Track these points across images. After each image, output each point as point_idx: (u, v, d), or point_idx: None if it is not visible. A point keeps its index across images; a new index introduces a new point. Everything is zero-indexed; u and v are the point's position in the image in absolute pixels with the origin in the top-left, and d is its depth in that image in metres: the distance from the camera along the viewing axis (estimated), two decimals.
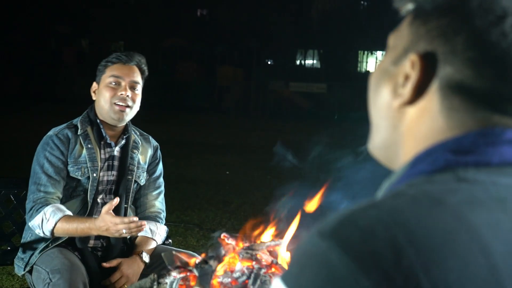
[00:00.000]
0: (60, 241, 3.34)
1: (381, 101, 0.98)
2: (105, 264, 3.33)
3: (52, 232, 3.24)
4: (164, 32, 28.53)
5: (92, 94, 3.48)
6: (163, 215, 3.66)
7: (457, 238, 0.78)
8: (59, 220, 3.22)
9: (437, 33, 0.91)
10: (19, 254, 3.46)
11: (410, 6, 0.97)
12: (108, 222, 3.08)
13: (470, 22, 0.88)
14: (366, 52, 29.81)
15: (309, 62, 31.18)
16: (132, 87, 3.41)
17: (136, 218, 3.10)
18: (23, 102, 22.17)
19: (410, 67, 0.93)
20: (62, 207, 3.29)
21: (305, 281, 0.78)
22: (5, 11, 26.53)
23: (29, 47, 27.70)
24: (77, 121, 3.45)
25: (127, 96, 3.37)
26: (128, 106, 3.39)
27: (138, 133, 3.63)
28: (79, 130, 3.40)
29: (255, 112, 23.77)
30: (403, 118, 0.95)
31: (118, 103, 3.37)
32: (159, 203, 3.66)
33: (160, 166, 3.70)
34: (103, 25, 27.54)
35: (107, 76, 3.40)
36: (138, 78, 3.45)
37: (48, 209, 3.25)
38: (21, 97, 23.40)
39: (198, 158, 12.25)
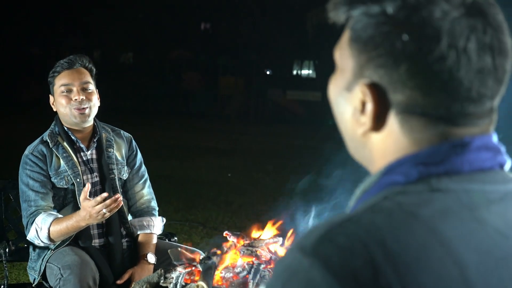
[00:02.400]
0: (65, 244, 3.30)
1: (346, 123, 0.95)
2: (119, 282, 3.31)
3: (49, 238, 3.20)
4: (171, 44, 28.52)
5: (52, 107, 3.41)
6: (154, 202, 3.61)
7: (431, 253, 0.78)
8: (50, 225, 3.18)
9: (380, 63, 0.86)
10: (30, 263, 3.43)
11: (342, 19, 0.93)
12: (87, 208, 3.02)
13: (407, 51, 0.84)
14: None
15: (305, 72, 31.16)
16: (84, 89, 3.33)
17: (105, 194, 3.04)
18: (39, 110, 22.15)
19: (362, 95, 0.89)
20: (52, 211, 3.25)
21: None
22: (24, 25, 26.55)
23: (46, 58, 27.71)
24: (46, 136, 3.38)
25: (82, 99, 3.30)
26: (87, 108, 3.32)
27: (109, 130, 3.55)
28: (50, 144, 3.33)
29: (255, 118, 23.73)
30: (368, 141, 0.93)
31: (75, 107, 3.30)
32: (147, 191, 3.60)
33: (139, 156, 3.61)
34: (114, 38, 27.52)
35: (58, 86, 3.33)
36: (87, 77, 3.37)
37: (39, 218, 3.20)
38: (37, 105, 23.37)
39: (202, 161, 12.24)
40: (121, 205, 3.10)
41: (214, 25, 30.28)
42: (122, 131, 3.61)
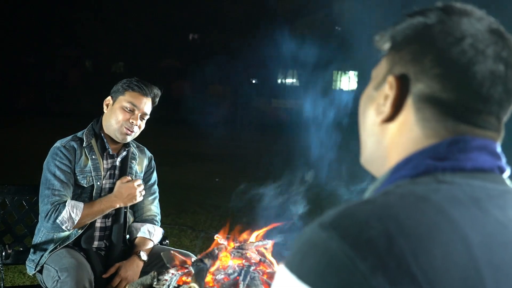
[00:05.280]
0: (68, 242, 3.32)
1: (368, 121, 1.02)
2: (104, 276, 3.31)
3: (78, 222, 3.27)
4: (160, 54, 28.50)
5: (104, 107, 3.46)
6: (158, 218, 3.66)
7: (440, 229, 0.82)
8: (83, 209, 3.26)
9: (409, 58, 0.96)
10: (30, 256, 3.42)
11: (387, 45, 1.01)
12: (125, 190, 3.37)
13: (434, 44, 0.93)
14: (340, 72, 29.89)
15: (289, 81, 31.23)
16: (142, 117, 3.41)
17: (140, 181, 3.47)
18: (34, 117, 22.05)
19: (388, 89, 0.97)
20: (75, 200, 3.31)
21: (308, 267, 0.80)
22: (19, 37, 26.46)
23: (40, 68, 27.62)
24: (82, 134, 3.43)
25: (136, 124, 3.37)
26: (133, 132, 3.39)
27: (135, 145, 3.63)
28: (84, 142, 3.38)
29: (241, 125, 23.75)
30: (385, 133, 0.99)
31: (126, 127, 3.36)
32: (154, 207, 3.65)
33: (155, 174, 3.71)
34: (105, 48, 27.47)
35: (125, 100, 3.37)
36: (149, 110, 3.45)
37: (70, 203, 3.26)
38: (32, 113, 23.28)
39: (191, 167, 12.23)
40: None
41: (202, 35, 30.30)
42: (145, 149, 3.70)
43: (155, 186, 3.70)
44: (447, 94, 0.92)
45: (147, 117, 3.45)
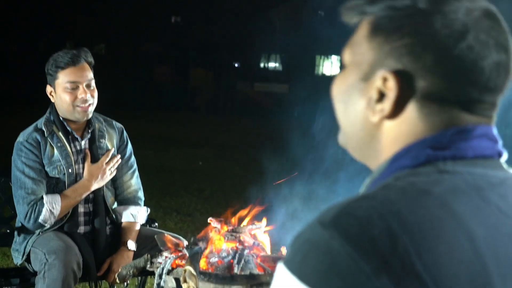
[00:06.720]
0: (53, 229, 3.28)
1: (356, 114, 0.95)
2: (99, 274, 3.29)
3: (60, 214, 3.23)
4: (142, 38, 28.30)
5: (50, 97, 3.31)
6: (140, 193, 3.59)
7: (444, 225, 0.80)
8: (61, 201, 3.21)
9: (405, 52, 0.89)
10: (14, 246, 3.37)
11: (355, 20, 0.95)
12: (96, 171, 3.30)
13: (436, 40, 0.87)
14: (322, 57, 29.89)
15: (272, 65, 31.19)
16: (88, 85, 3.27)
17: (112, 153, 3.41)
18: (15, 102, 21.88)
19: (381, 83, 0.90)
20: (51, 194, 3.25)
21: (310, 268, 0.78)
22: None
23: (20, 52, 27.34)
24: (41, 124, 3.30)
25: (88, 97, 3.24)
26: (90, 105, 3.27)
27: (102, 120, 3.49)
28: (45, 133, 3.26)
29: (224, 110, 23.71)
30: (381, 128, 0.94)
31: (80, 105, 3.24)
32: (134, 182, 3.58)
33: (129, 146, 3.58)
34: (87, 32, 27.23)
35: (62, 82, 3.23)
36: (91, 74, 3.30)
37: (47, 200, 3.19)
38: (13, 98, 23.07)
39: (175, 151, 12.22)
40: (119, 162, 3.43)
41: (184, 18, 30.12)
42: (114, 122, 3.55)
43: (132, 159, 3.58)
44: (454, 91, 0.89)
45: (93, 81, 3.29)
